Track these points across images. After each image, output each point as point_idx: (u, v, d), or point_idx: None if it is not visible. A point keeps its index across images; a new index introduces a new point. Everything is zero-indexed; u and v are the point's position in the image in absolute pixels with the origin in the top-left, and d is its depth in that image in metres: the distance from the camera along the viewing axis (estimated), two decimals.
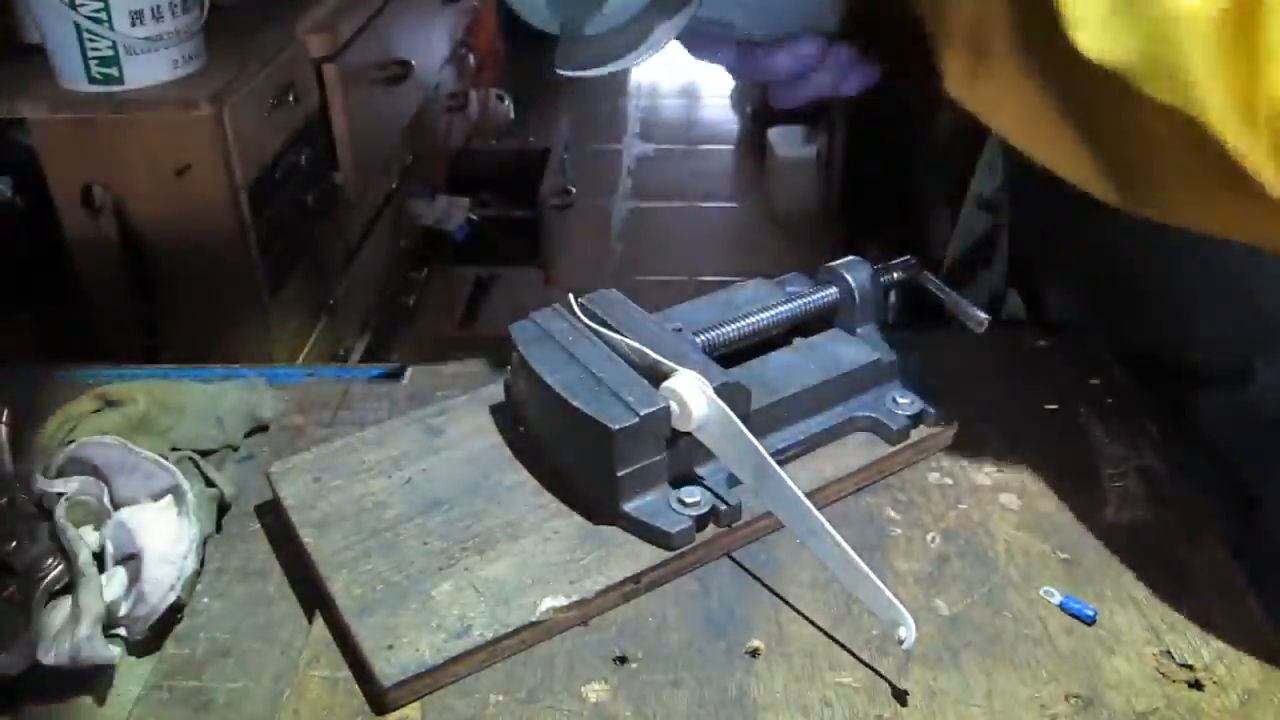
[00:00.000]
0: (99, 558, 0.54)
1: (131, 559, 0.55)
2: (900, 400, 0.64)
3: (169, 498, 0.57)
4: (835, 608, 0.55)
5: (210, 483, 0.62)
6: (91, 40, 1.45)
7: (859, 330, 0.66)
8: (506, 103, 3.29)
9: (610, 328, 0.61)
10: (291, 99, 1.72)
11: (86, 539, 0.54)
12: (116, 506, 0.57)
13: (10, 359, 1.56)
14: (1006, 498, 0.62)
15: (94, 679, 0.52)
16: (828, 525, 0.52)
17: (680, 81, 4.51)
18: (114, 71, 1.47)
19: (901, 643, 0.51)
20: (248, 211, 1.58)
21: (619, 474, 0.56)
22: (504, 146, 3.18)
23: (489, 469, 0.62)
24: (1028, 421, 0.68)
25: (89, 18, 1.42)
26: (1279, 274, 0.63)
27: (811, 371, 0.63)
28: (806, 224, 3.31)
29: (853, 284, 0.65)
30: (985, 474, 0.64)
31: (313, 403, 0.71)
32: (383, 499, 0.59)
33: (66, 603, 0.52)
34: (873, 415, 0.64)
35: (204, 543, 0.58)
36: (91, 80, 1.48)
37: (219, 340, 1.63)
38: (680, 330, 0.62)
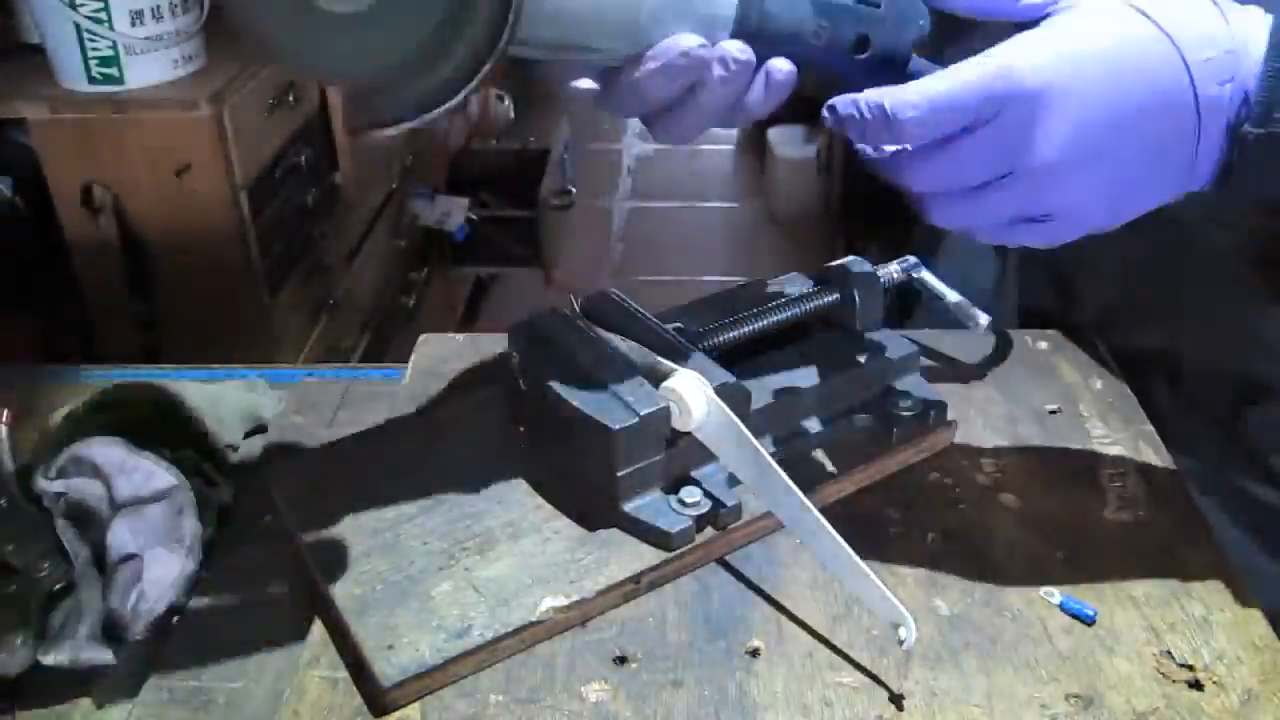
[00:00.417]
0: (99, 558, 0.54)
1: (131, 559, 0.55)
2: (900, 400, 0.64)
3: (169, 498, 0.57)
4: (835, 608, 0.55)
5: (210, 482, 0.62)
6: (91, 40, 1.45)
7: (859, 330, 0.66)
8: (506, 102, 3.29)
9: (610, 328, 0.61)
10: (291, 99, 1.72)
11: (86, 539, 0.54)
12: (117, 506, 0.57)
13: (11, 359, 1.56)
14: (1006, 498, 0.62)
15: (94, 679, 0.52)
16: (828, 525, 0.52)
17: None
18: (114, 71, 1.47)
19: (902, 643, 0.51)
20: (248, 211, 1.58)
21: (619, 474, 0.56)
22: (504, 146, 3.17)
23: (489, 469, 0.62)
24: (1028, 421, 0.68)
25: (89, 18, 1.42)
26: None
27: (811, 372, 0.63)
28: (806, 224, 3.31)
29: (853, 284, 0.65)
30: (985, 474, 0.64)
31: (313, 403, 0.71)
32: (382, 499, 0.59)
33: (66, 603, 0.52)
34: (873, 415, 0.64)
35: (204, 543, 0.58)
36: (91, 80, 1.48)
37: (219, 340, 1.63)
38: (680, 330, 0.62)
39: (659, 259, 3.18)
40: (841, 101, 0.49)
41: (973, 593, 0.56)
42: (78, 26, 1.43)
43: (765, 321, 0.64)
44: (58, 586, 0.53)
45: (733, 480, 0.58)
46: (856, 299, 0.65)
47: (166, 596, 0.54)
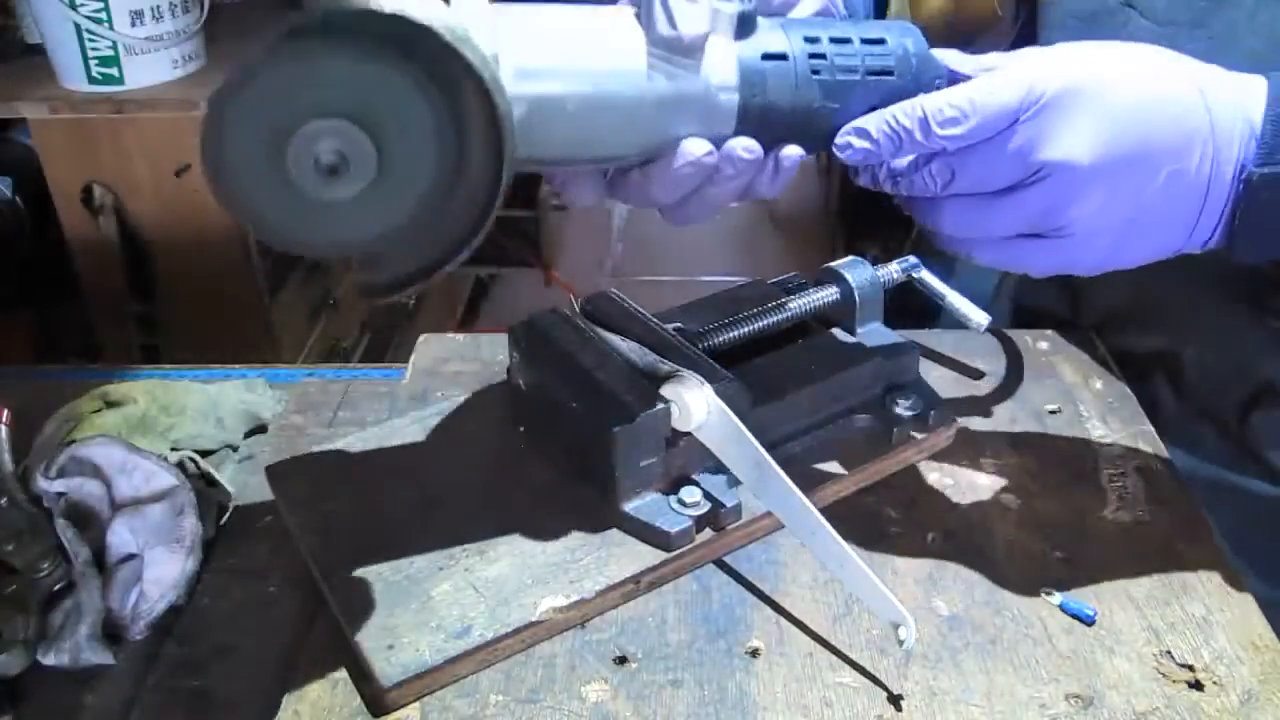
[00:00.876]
0: (99, 558, 0.54)
1: (131, 559, 0.55)
2: (900, 400, 0.64)
3: (169, 498, 0.57)
4: (835, 608, 0.55)
5: (210, 483, 0.62)
6: (91, 40, 1.45)
7: (859, 330, 0.66)
8: None
9: (610, 328, 0.61)
10: None
11: (86, 539, 0.54)
12: (117, 506, 0.57)
13: (10, 359, 1.57)
14: (1006, 498, 0.62)
15: (94, 679, 0.52)
16: (828, 525, 0.52)
17: None
18: (114, 71, 1.47)
19: (902, 643, 0.51)
20: None
21: (619, 474, 0.56)
22: None
23: (489, 469, 0.62)
24: (1028, 421, 0.68)
25: (89, 18, 1.42)
26: None
27: (811, 372, 0.63)
28: (806, 224, 3.31)
29: (853, 284, 0.65)
30: (985, 474, 0.64)
31: (313, 403, 0.71)
32: (382, 499, 0.59)
33: (66, 603, 0.52)
34: (873, 415, 0.64)
35: (204, 543, 0.58)
36: (91, 80, 1.48)
37: (219, 340, 1.63)
38: (680, 330, 0.62)
39: (659, 259, 3.18)
40: (863, 121, 0.49)
41: (973, 593, 0.56)
42: (78, 27, 1.43)
43: (765, 321, 0.64)
44: (58, 586, 0.53)
45: (733, 480, 0.58)
46: (856, 299, 0.65)
47: (166, 596, 0.54)
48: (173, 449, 0.65)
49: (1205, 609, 0.54)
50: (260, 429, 0.70)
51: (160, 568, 0.55)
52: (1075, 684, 0.51)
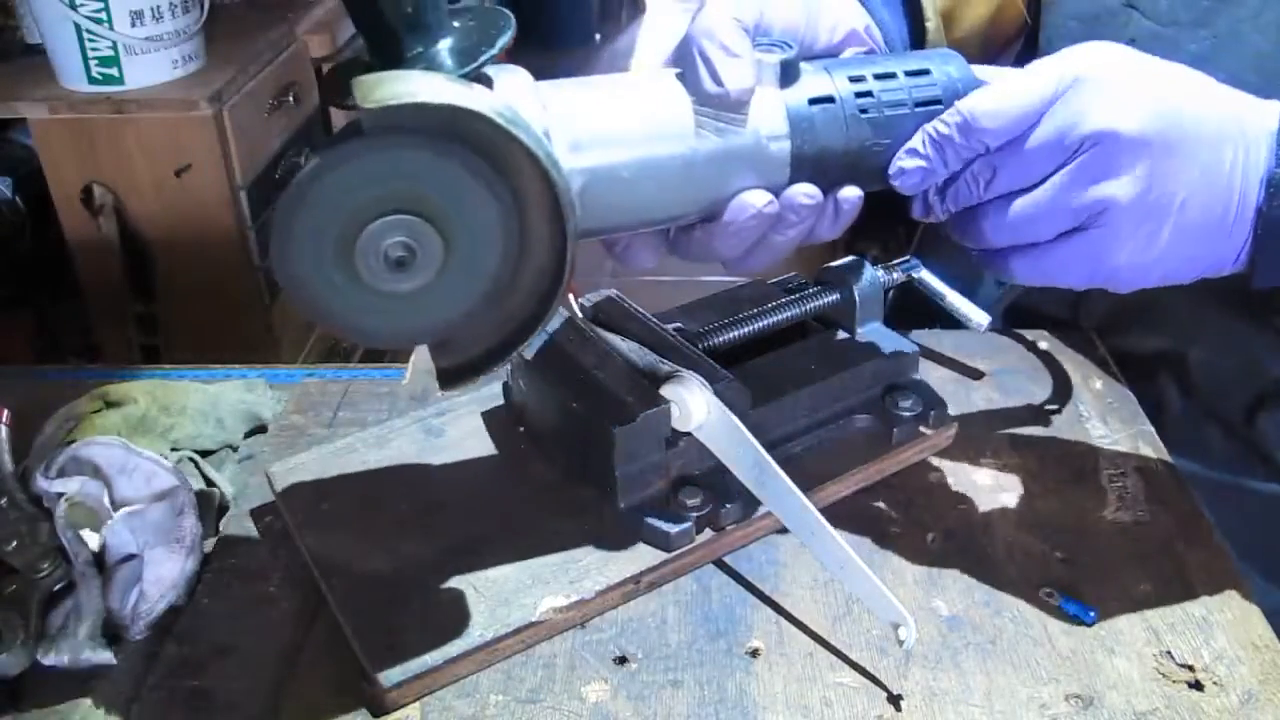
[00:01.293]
0: (99, 558, 0.54)
1: (131, 559, 0.55)
2: (900, 401, 0.64)
3: (169, 498, 0.57)
4: (835, 608, 0.55)
5: (210, 483, 0.62)
6: (91, 40, 1.45)
7: (859, 331, 0.66)
8: None
9: (610, 328, 0.61)
10: (291, 99, 1.72)
11: (86, 539, 0.54)
12: (116, 507, 0.57)
13: (10, 359, 1.57)
14: (1006, 498, 0.62)
15: (94, 679, 0.52)
16: (828, 525, 0.52)
17: None
18: (114, 72, 1.47)
19: (902, 643, 0.51)
20: (248, 211, 1.58)
21: (619, 474, 0.56)
22: None
23: (489, 469, 0.62)
24: (1028, 421, 0.68)
25: (89, 18, 1.42)
26: None
27: (812, 372, 0.63)
28: None
29: (853, 285, 0.65)
30: (985, 474, 0.64)
31: (313, 403, 0.71)
32: (382, 499, 0.59)
33: (66, 603, 0.52)
34: (873, 416, 0.64)
35: (204, 543, 0.58)
36: (91, 80, 1.48)
37: (219, 340, 1.63)
38: (680, 330, 0.62)
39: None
40: (910, 143, 0.50)
41: (973, 593, 0.56)
42: (78, 27, 1.43)
43: (765, 321, 0.64)
44: (58, 586, 0.53)
45: (733, 481, 0.58)
46: (856, 300, 0.65)
47: (166, 596, 0.54)
48: (173, 449, 0.65)
49: (1205, 609, 0.54)
50: (260, 429, 0.70)
51: (160, 568, 0.55)
52: (1075, 684, 0.51)
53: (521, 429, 0.64)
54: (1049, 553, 0.58)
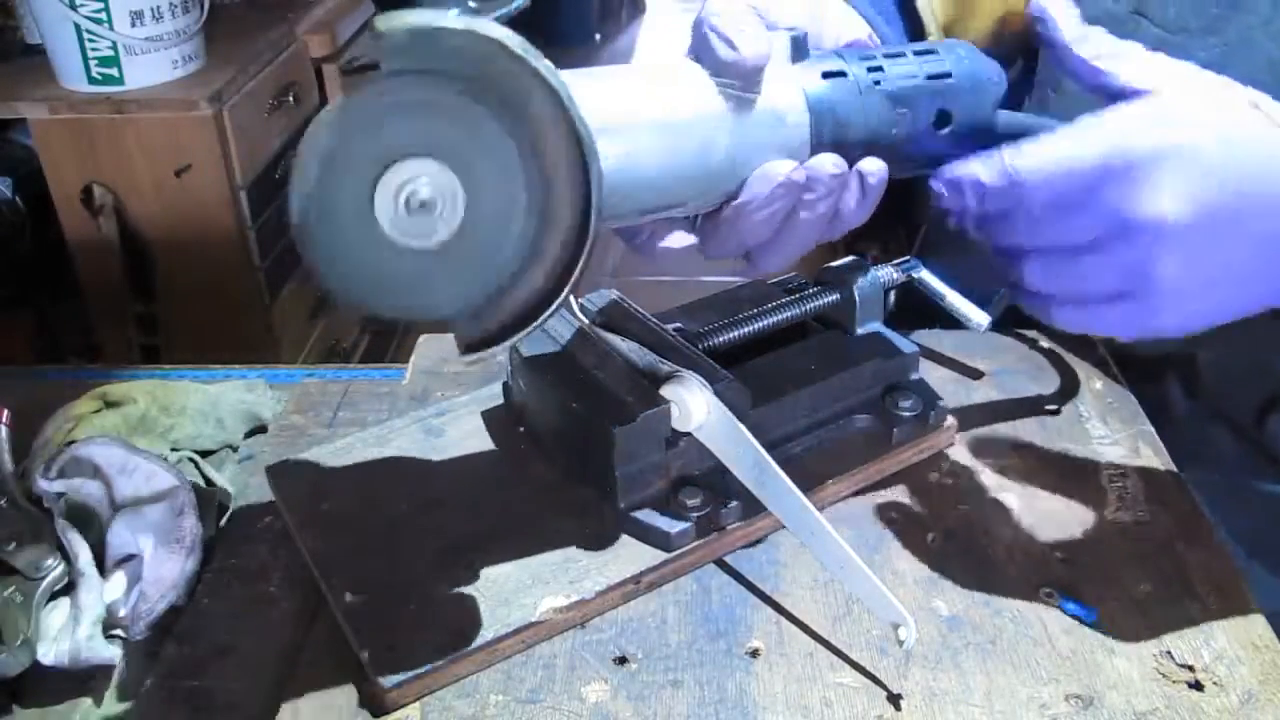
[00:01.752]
0: (99, 558, 0.54)
1: (131, 559, 0.55)
2: (901, 401, 0.64)
3: (169, 498, 0.57)
4: (835, 608, 0.55)
5: (210, 483, 0.62)
6: (91, 41, 1.45)
7: (859, 331, 0.66)
8: None
9: (610, 328, 0.61)
10: (291, 99, 1.72)
11: (87, 539, 0.54)
12: (117, 507, 0.57)
13: (10, 359, 1.57)
14: (1006, 498, 0.62)
15: (94, 679, 0.52)
16: (828, 526, 0.52)
17: None
18: (114, 72, 1.48)
19: (902, 643, 0.51)
20: (248, 211, 1.58)
21: (619, 474, 0.56)
22: None
23: (489, 469, 0.62)
24: (1028, 421, 0.68)
25: (89, 18, 1.42)
26: None
27: (812, 372, 0.63)
28: None
29: (853, 285, 0.65)
30: (985, 474, 0.64)
31: (313, 403, 0.71)
32: (382, 499, 0.59)
33: (66, 603, 0.52)
34: (873, 416, 0.64)
35: (204, 543, 0.58)
36: (91, 80, 1.48)
37: (219, 340, 1.63)
38: (680, 330, 0.62)
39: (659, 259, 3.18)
40: (951, 170, 0.49)
41: (973, 593, 0.56)
42: (78, 27, 1.43)
43: (765, 321, 0.64)
44: (58, 587, 0.53)
45: (733, 481, 0.58)
46: (856, 300, 0.65)
47: (166, 596, 0.54)
48: (173, 449, 0.65)
49: (1205, 609, 0.54)
50: (260, 429, 0.70)
51: (160, 568, 0.55)
52: (1075, 684, 0.51)
53: (521, 429, 0.64)
54: (1049, 553, 0.58)
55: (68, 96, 1.49)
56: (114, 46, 1.45)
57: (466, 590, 0.54)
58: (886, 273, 0.68)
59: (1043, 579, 0.56)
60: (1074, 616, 0.54)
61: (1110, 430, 0.67)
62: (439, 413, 0.66)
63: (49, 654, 0.51)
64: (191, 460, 0.63)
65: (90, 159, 1.51)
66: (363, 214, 0.39)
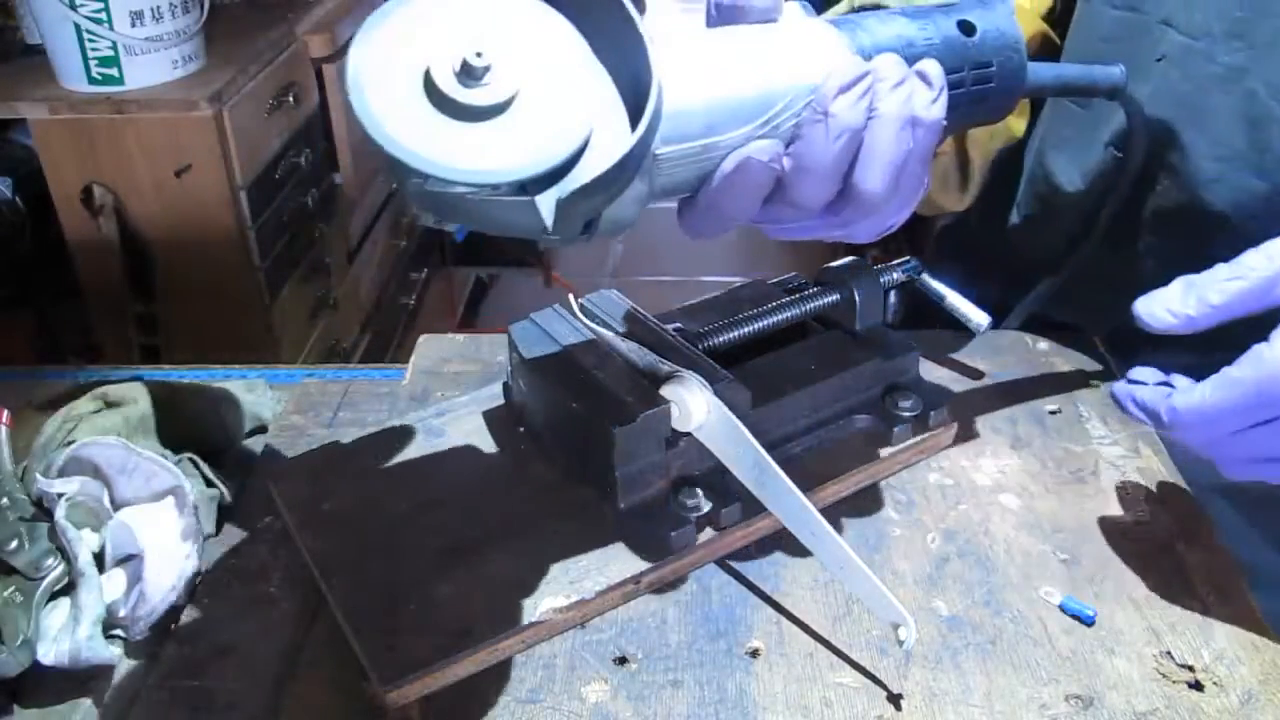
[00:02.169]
0: (99, 558, 0.54)
1: (132, 559, 0.55)
2: (900, 401, 0.64)
3: (169, 498, 0.57)
4: (835, 608, 0.55)
5: (210, 483, 0.62)
6: (91, 41, 1.45)
7: (859, 331, 0.66)
8: None
9: (610, 328, 0.61)
10: (291, 99, 1.72)
11: (86, 539, 0.54)
12: (117, 507, 0.57)
13: (10, 359, 1.57)
14: (1006, 498, 0.62)
15: (94, 679, 0.52)
16: (827, 526, 0.52)
17: None
18: (114, 72, 1.48)
19: (902, 643, 0.51)
20: (248, 212, 1.58)
21: (619, 474, 0.56)
22: None
23: (489, 469, 0.62)
24: (1028, 421, 0.68)
25: (89, 18, 1.42)
26: None
27: (812, 373, 0.63)
28: None
29: (853, 285, 0.65)
30: (985, 474, 0.64)
31: (313, 403, 0.71)
32: (382, 499, 0.59)
33: (66, 603, 0.52)
34: (873, 416, 0.64)
35: (204, 543, 0.58)
36: (91, 81, 1.48)
37: (219, 340, 1.63)
38: (680, 331, 0.62)
39: (659, 259, 3.18)
40: (1122, 393, 0.53)
41: (973, 593, 0.56)
42: (78, 27, 1.43)
43: (765, 321, 0.64)
44: (58, 587, 0.53)
45: (733, 481, 0.58)
46: (856, 299, 0.65)
47: (166, 597, 0.54)
48: (173, 449, 0.65)
49: (1205, 609, 0.54)
50: (260, 429, 0.70)
51: (160, 568, 0.55)
52: (1075, 684, 0.51)
53: (521, 429, 0.64)
54: (1049, 553, 0.58)
55: (68, 96, 1.49)
56: (114, 46, 1.45)
57: (466, 590, 0.54)
58: (886, 273, 0.68)
59: (1043, 579, 0.56)
60: (1074, 616, 0.54)
61: (1110, 430, 0.67)
62: (439, 413, 0.66)
63: (49, 654, 0.51)
64: (191, 460, 0.63)
65: (90, 159, 1.51)
66: (416, 84, 0.38)
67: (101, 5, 1.42)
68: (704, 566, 0.58)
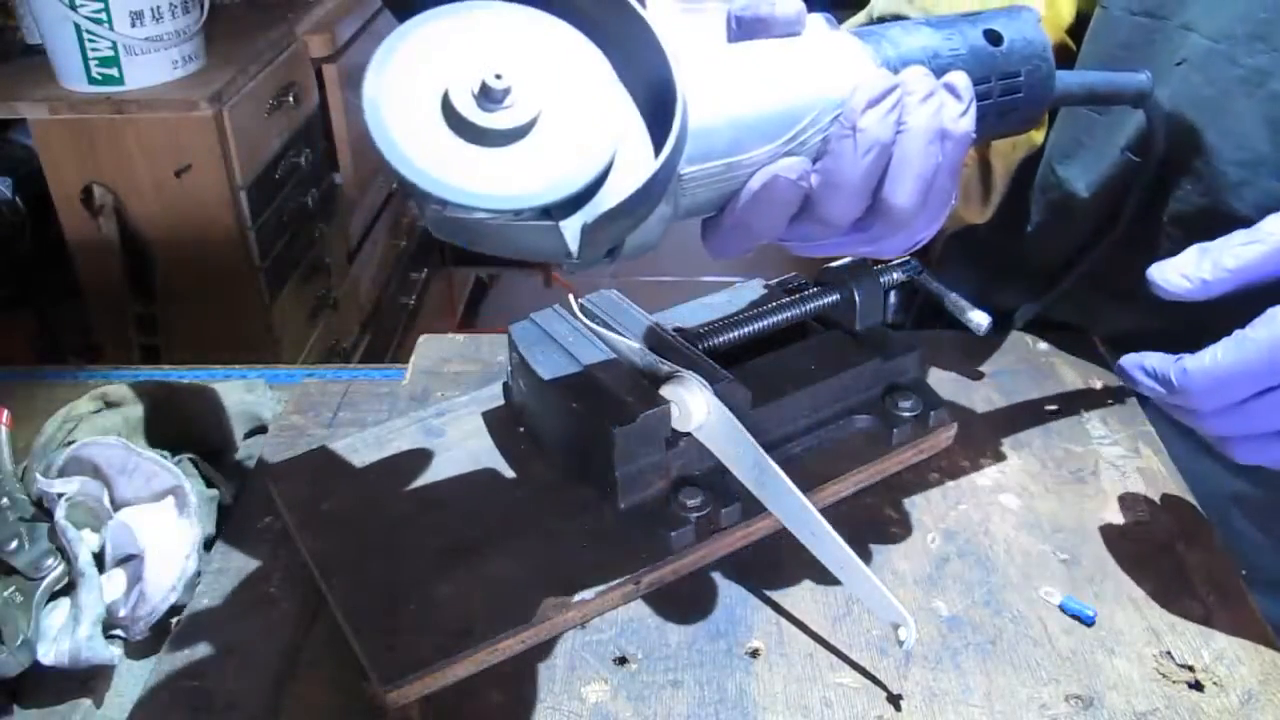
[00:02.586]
0: (99, 558, 0.54)
1: (132, 559, 0.55)
2: (900, 401, 0.64)
3: (170, 498, 0.57)
4: (835, 608, 0.55)
5: (210, 483, 0.62)
6: (91, 41, 1.45)
7: (859, 331, 0.66)
8: None
9: (610, 328, 0.61)
10: (291, 99, 1.72)
11: (86, 539, 0.54)
12: (117, 507, 0.57)
13: (10, 359, 1.57)
14: (1006, 498, 0.62)
15: (94, 679, 0.52)
16: (827, 526, 0.52)
17: None
18: (114, 72, 1.48)
19: (902, 644, 0.51)
20: (248, 212, 1.58)
21: (619, 474, 0.56)
22: None
23: (489, 469, 0.62)
24: (1028, 421, 0.68)
25: (89, 18, 1.42)
26: None
27: (812, 373, 0.63)
28: None
29: (853, 285, 0.65)
30: (985, 474, 0.64)
31: (313, 403, 0.71)
32: (382, 499, 0.59)
33: (66, 603, 0.52)
34: (873, 416, 0.64)
35: (204, 543, 0.58)
36: (91, 81, 1.48)
37: (219, 340, 1.63)
38: (680, 331, 0.62)
39: (659, 259, 3.17)
40: (1130, 363, 0.50)
41: (973, 593, 0.56)
42: (78, 27, 1.43)
43: (765, 321, 0.64)
44: (58, 587, 0.53)
45: (733, 481, 0.58)
46: (856, 299, 0.65)
47: (167, 597, 0.54)
48: (173, 449, 0.65)
49: (1205, 609, 0.54)
50: (260, 429, 0.70)
51: (160, 568, 0.55)
52: (1075, 684, 0.51)
53: (521, 429, 0.64)
54: (1049, 553, 0.58)
55: (68, 96, 1.49)
56: (114, 46, 1.45)
57: (466, 590, 0.54)
58: (886, 273, 0.68)
59: (1043, 579, 0.56)
60: (1074, 616, 0.54)
61: (1110, 430, 0.67)
62: (439, 413, 0.66)
63: (49, 654, 0.51)
64: (191, 460, 0.63)
65: (90, 159, 1.51)
66: (435, 108, 0.37)
67: (101, 5, 1.42)
68: (704, 566, 0.58)
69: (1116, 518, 0.61)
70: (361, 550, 0.56)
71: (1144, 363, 0.49)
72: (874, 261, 0.68)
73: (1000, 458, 0.65)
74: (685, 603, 0.56)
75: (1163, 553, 0.58)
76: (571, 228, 0.38)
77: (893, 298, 0.68)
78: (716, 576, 0.57)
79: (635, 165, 0.40)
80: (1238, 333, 0.47)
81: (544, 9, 0.39)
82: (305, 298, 1.82)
